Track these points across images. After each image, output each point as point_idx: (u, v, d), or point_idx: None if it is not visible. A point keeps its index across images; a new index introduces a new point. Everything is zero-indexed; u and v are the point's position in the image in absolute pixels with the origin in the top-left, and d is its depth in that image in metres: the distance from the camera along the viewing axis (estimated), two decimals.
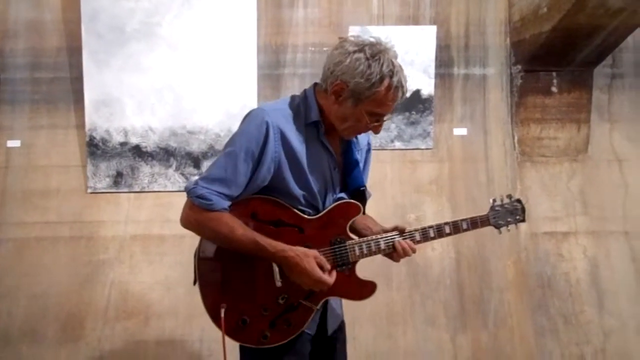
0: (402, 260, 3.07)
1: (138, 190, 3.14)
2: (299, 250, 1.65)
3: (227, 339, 1.66)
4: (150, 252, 3.11)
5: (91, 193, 3.13)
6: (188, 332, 3.01)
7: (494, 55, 3.33)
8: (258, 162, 1.64)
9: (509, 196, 1.96)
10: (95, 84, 3.09)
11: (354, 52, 1.61)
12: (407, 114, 3.24)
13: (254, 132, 1.64)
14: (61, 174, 3.15)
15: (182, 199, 3.11)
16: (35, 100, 3.17)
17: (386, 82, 1.61)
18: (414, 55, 3.22)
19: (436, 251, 3.18)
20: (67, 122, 3.17)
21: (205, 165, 3.13)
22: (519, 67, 3.29)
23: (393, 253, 1.80)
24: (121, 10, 3.07)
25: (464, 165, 3.29)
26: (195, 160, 3.14)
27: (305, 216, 1.73)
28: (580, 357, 3.07)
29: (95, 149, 3.10)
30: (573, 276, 3.18)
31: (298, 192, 1.71)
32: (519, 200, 1.97)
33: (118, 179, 3.13)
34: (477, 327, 3.11)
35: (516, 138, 3.32)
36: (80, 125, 3.13)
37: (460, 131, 3.30)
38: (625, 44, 3.16)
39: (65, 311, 3.02)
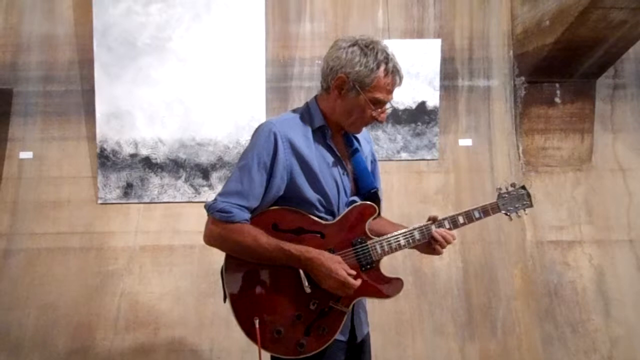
0: (410, 269, 3.15)
1: (148, 201, 3.18)
2: (324, 252, 1.69)
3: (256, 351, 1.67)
4: (159, 263, 3.14)
5: (101, 204, 3.17)
6: (198, 342, 3.03)
7: (497, 67, 3.40)
8: (271, 171, 1.69)
9: (513, 184, 2.01)
10: (106, 96, 3.14)
11: (349, 46, 1.71)
12: (412, 125, 3.29)
13: (263, 144, 1.70)
14: (72, 185, 3.20)
15: (192, 209, 3.18)
16: (47, 113, 3.23)
17: (383, 67, 1.69)
18: (419, 67, 3.27)
19: (444, 260, 3.21)
20: (78, 134, 3.23)
21: (214, 176, 3.18)
22: (523, 78, 3.34)
23: (433, 245, 1.83)
24: (132, 24, 3.13)
25: (470, 175, 3.33)
26: (205, 172, 3.18)
27: (324, 222, 1.76)
28: None
29: (106, 160, 3.15)
30: (579, 284, 3.21)
31: (313, 196, 1.74)
32: (523, 187, 2.01)
33: (128, 190, 3.16)
34: (485, 336, 3.13)
35: (521, 148, 3.37)
36: (91, 137, 3.19)
37: (465, 142, 3.35)
38: (626, 55, 3.22)
39: (75, 322, 3.04)
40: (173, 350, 3.01)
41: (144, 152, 3.16)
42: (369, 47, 1.69)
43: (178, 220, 3.18)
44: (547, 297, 3.19)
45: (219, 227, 1.67)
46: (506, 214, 1.97)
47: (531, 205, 2.01)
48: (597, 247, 3.27)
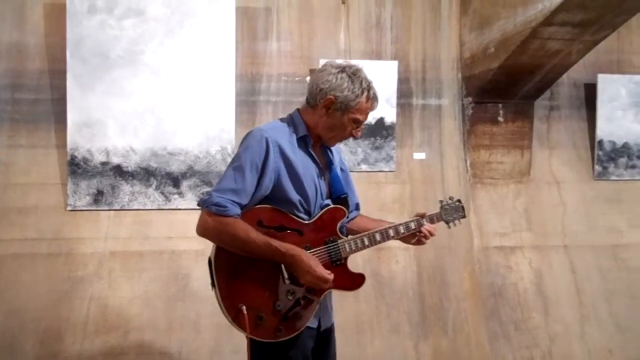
0: (369, 273, 3.39)
1: (118, 208, 3.26)
2: (304, 251, 1.91)
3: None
4: (129, 268, 3.22)
5: (71, 210, 3.22)
6: (167, 345, 3.12)
7: (447, 88, 3.73)
8: (261, 173, 1.89)
9: (451, 198, 2.32)
10: (78, 106, 3.21)
11: (338, 72, 1.95)
12: (372, 139, 3.55)
13: (256, 148, 1.90)
14: (40, 192, 3.22)
15: (162, 216, 3.29)
16: (15, 120, 3.25)
17: (365, 94, 1.96)
18: (378, 86, 3.48)
19: (400, 264, 3.46)
20: (47, 142, 3.26)
21: (185, 184, 3.31)
22: (470, 99, 3.68)
23: (419, 237, 2.14)
24: (106, 37, 3.24)
25: (423, 186, 3.63)
26: (175, 180, 3.30)
27: (302, 221, 1.98)
28: None
29: (76, 167, 3.21)
30: (521, 286, 3.54)
31: (295, 197, 1.96)
32: (459, 200, 2.33)
33: (98, 197, 3.24)
34: (437, 334, 3.39)
35: (468, 162, 3.69)
36: (61, 144, 3.23)
37: (419, 155, 3.65)
38: (561, 80, 3.62)
39: (44, 326, 3.05)
40: (143, 353, 3.08)
41: (115, 160, 3.25)
42: (355, 75, 1.94)
43: (148, 226, 3.27)
44: (493, 297, 3.50)
45: (214, 220, 1.84)
46: (446, 223, 2.27)
47: (464, 216, 2.32)
48: (536, 252, 3.62)
